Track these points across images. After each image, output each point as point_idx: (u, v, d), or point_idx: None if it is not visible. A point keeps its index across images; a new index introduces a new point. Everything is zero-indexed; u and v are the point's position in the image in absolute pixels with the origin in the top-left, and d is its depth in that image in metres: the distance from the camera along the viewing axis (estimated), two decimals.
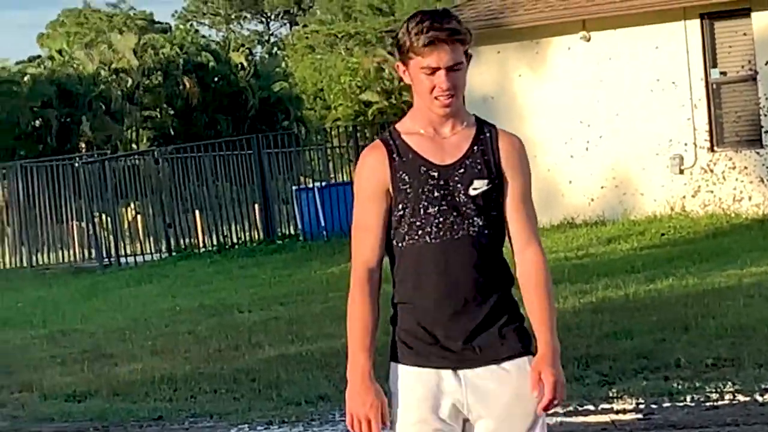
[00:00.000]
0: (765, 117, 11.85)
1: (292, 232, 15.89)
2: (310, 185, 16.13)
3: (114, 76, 34.24)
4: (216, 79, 35.92)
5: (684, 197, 12.57)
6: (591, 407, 5.04)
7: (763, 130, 11.81)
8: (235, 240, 15.91)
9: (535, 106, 12.90)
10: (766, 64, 11.61)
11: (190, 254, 15.53)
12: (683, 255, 10.29)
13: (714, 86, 12.02)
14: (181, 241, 16.08)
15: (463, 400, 2.09)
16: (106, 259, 15.47)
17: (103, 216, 16.42)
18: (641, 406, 5.01)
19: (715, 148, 12.08)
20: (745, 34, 11.86)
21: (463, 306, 2.11)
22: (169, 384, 6.89)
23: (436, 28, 2.06)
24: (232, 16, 48.20)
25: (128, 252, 16.26)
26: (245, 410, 6.00)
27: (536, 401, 2.06)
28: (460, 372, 2.10)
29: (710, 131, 12.09)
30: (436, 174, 2.14)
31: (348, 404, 2.15)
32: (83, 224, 16.91)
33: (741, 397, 5.06)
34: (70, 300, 12.66)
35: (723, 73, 12.09)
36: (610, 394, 5.20)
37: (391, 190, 2.14)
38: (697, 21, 11.96)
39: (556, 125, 12.58)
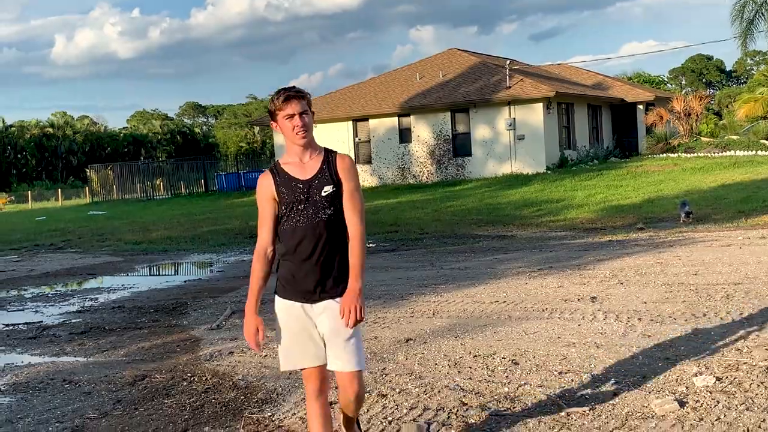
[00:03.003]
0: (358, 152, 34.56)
1: (215, 189, 37.37)
2: (221, 172, 38.61)
3: None
4: (190, 138, 67.31)
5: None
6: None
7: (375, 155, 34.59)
8: (189, 192, 37.79)
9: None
10: (357, 139, 34.09)
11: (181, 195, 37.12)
12: (382, 194, 26.53)
13: (356, 144, 34.75)
14: (176, 191, 38.24)
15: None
16: None
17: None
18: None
19: (358, 162, 34.35)
20: (387, 128, 34.90)
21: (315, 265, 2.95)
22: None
23: (288, 90, 2.94)
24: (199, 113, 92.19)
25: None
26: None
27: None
28: (313, 305, 3.05)
29: (354, 156, 33.96)
30: (301, 185, 2.92)
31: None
32: None
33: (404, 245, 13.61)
34: None
35: (359, 140, 34.96)
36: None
37: (276, 197, 2.95)
38: (351, 123, 34.55)
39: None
